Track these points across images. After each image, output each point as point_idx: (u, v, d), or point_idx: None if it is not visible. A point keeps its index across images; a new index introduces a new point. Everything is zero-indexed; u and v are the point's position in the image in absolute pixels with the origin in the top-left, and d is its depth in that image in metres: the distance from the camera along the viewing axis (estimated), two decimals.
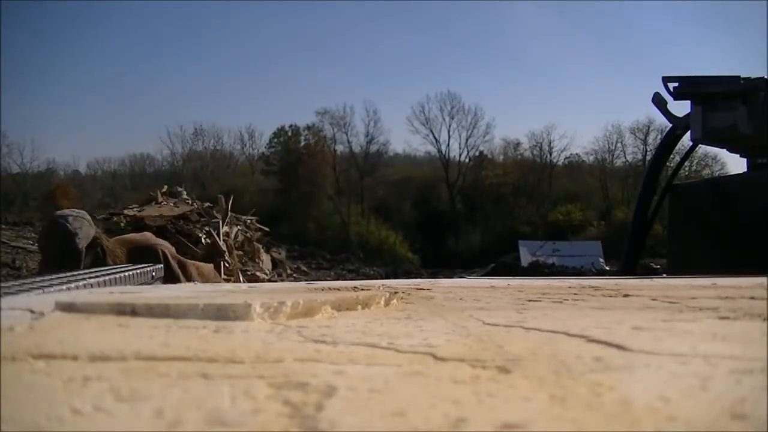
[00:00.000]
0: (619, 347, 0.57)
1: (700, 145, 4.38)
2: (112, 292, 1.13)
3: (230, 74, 49.69)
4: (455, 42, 47.33)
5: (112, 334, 0.67)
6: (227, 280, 10.60)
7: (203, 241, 12.85)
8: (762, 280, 1.26)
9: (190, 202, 15.23)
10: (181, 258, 1.94)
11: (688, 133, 3.66)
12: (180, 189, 16.56)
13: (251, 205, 20.03)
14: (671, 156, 4.41)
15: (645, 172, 4.48)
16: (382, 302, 0.95)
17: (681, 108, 3.73)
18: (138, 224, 12.69)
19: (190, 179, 29.48)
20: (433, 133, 34.68)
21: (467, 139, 34.83)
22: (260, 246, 15.84)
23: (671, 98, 3.65)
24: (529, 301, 1.00)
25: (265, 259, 15.69)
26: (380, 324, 0.74)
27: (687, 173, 22.69)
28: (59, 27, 44.55)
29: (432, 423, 0.36)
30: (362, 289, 1.11)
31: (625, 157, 34.03)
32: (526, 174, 34.41)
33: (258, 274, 13.84)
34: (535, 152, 35.06)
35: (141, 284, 6.52)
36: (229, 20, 47.68)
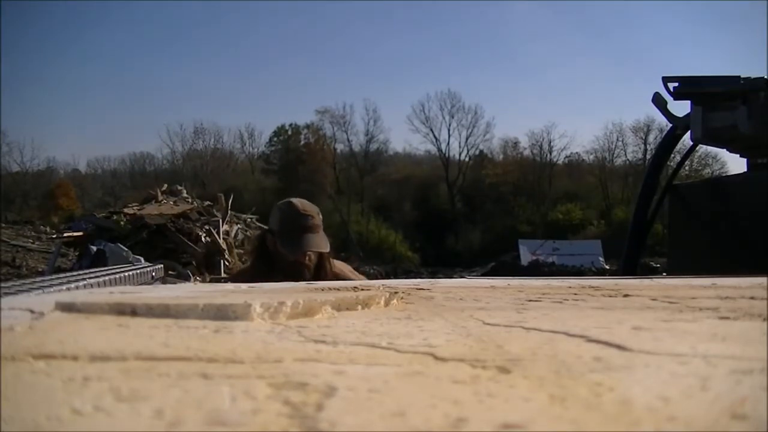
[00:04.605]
0: (619, 347, 0.57)
1: (700, 145, 4.37)
2: (112, 292, 1.13)
3: (230, 74, 49.73)
4: (455, 42, 47.36)
5: (112, 334, 0.67)
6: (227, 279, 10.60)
7: (203, 239, 12.85)
8: (762, 280, 1.26)
9: (190, 200, 15.23)
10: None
11: (688, 133, 3.65)
12: (180, 188, 16.57)
13: (251, 204, 20.06)
14: (671, 156, 4.39)
15: (645, 172, 4.47)
16: (382, 302, 0.94)
17: (681, 108, 3.72)
18: (138, 223, 12.70)
19: (190, 178, 29.49)
20: (433, 132, 34.70)
21: (467, 138, 34.85)
22: None
23: (671, 98, 3.64)
24: (529, 301, 1.00)
25: None
26: (380, 324, 0.74)
27: (687, 173, 22.71)
28: (59, 27, 44.57)
29: (432, 423, 0.36)
30: (362, 289, 1.11)
31: (626, 156, 34.07)
32: (526, 173, 34.41)
33: None
34: (535, 151, 35.07)
35: (141, 284, 6.52)
36: (229, 20, 47.69)
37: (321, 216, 2.10)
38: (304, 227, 2.02)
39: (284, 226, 2.04)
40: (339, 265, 2.21)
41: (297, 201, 2.11)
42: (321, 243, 2.05)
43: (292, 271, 2.00)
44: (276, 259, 2.06)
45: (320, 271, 2.07)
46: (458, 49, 48.17)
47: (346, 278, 2.14)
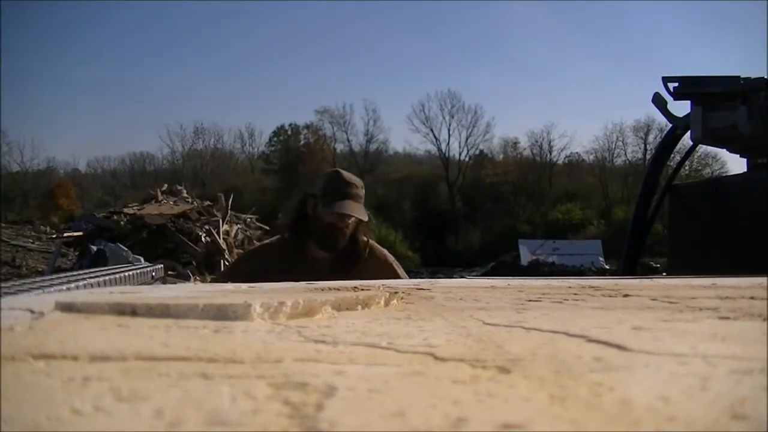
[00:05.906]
0: (619, 347, 0.57)
1: (700, 145, 4.36)
2: (112, 292, 1.13)
3: (230, 73, 49.76)
4: (455, 42, 47.36)
5: (112, 334, 0.66)
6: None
7: (203, 239, 12.85)
8: (762, 280, 1.26)
9: (190, 200, 15.22)
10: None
11: (688, 133, 3.65)
12: (180, 187, 16.55)
13: (251, 204, 20.05)
14: (671, 156, 4.39)
15: (645, 172, 4.46)
16: (382, 302, 0.94)
17: (681, 108, 3.72)
18: (138, 223, 12.70)
19: (190, 178, 29.51)
20: (433, 132, 34.72)
21: (467, 138, 34.88)
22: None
23: (671, 98, 3.64)
24: (529, 301, 1.00)
25: None
26: (380, 324, 0.74)
27: (687, 173, 22.70)
28: (59, 27, 44.57)
29: (432, 423, 0.36)
30: (362, 289, 1.11)
31: (626, 156, 34.08)
32: (526, 173, 34.42)
33: None
34: (534, 151, 35.09)
35: (141, 284, 6.52)
36: (229, 20, 47.69)
37: (364, 191, 2.14)
38: (347, 194, 2.06)
39: (327, 190, 2.07)
40: (382, 251, 2.22)
41: (343, 171, 2.17)
42: (360, 211, 2.08)
43: (328, 236, 2.06)
44: (313, 223, 2.10)
45: (355, 242, 2.10)
46: (458, 49, 48.23)
47: (387, 264, 2.16)
